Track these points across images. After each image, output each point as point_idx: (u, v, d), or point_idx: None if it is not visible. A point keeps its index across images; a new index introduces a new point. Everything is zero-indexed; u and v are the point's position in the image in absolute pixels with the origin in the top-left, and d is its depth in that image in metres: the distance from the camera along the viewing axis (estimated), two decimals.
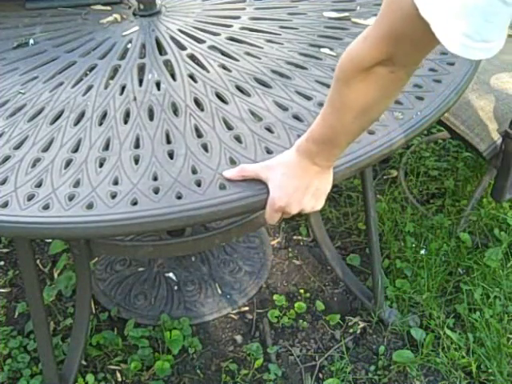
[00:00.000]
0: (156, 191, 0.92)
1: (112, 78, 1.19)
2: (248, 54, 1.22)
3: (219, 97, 1.11)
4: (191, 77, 1.17)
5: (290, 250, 1.83)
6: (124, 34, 1.32)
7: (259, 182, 0.92)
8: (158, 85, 1.15)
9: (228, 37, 1.28)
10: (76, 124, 1.06)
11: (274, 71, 1.17)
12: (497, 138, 1.54)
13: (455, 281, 1.68)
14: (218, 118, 1.06)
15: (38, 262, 1.79)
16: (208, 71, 1.18)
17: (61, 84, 1.18)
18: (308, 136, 0.87)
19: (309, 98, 1.09)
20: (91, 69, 1.22)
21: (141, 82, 1.17)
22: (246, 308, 1.67)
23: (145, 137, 1.02)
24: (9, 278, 1.78)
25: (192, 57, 1.23)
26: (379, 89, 0.77)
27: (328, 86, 1.11)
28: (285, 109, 1.07)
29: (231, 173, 0.92)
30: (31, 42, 1.31)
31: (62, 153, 1.00)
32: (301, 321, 1.62)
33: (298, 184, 0.89)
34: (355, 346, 1.57)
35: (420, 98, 1.07)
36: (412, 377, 1.49)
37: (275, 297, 1.67)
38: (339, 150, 0.89)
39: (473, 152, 1.90)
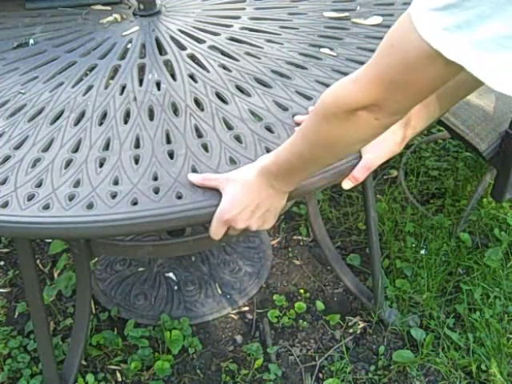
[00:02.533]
0: (156, 191, 0.92)
1: (112, 77, 1.19)
2: (248, 54, 1.22)
3: (219, 97, 1.11)
4: (191, 77, 1.17)
5: (290, 249, 1.83)
6: (124, 33, 1.32)
7: None
8: (158, 85, 1.15)
9: (228, 37, 1.28)
10: (76, 124, 1.06)
11: (274, 71, 1.17)
12: (497, 138, 1.54)
13: (455, 281, 1.68)
14: (218, 117, 1.06)
15: (38, 261, 1.79)
16: (208, 71, 1.18)
17: (61, 84, 1.18)
18: (273, 159, 0.87)
19: (309, 98, 1.09)
20: (91, 69, 1.22)
21: (141, 81, 1.17)
22: (246, 308, 1.67)
23: (145, 137, 1.02)
24: (9, 277, 1.78)
25: (192, 57, 1.23)
26: (359, 132, 0.76)
27: (328, 86, 1.11)
28: (285, 109, 1.07)
29: (195, 178, 0.92)
30: (31, 41, 1.31)
31: (62, 153, 1.00)
32: (301, 321, 1.62)
33: (249, 202, 0.89)
34: (355, 346, 1.57)
35: None
36: (412, 377, 1.49)
37: (275, 297, 1.67)
38: (300, 179, 0.89)
39: (473, 152, 1.90)
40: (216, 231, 0.92)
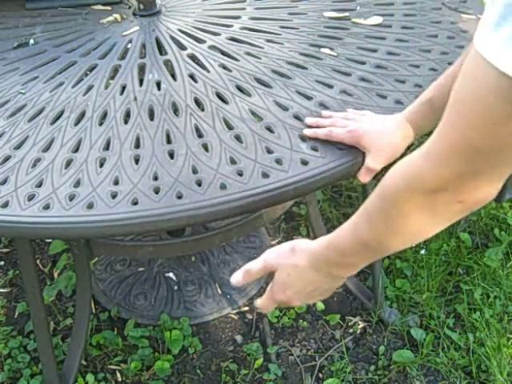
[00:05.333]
0: (156, 191, 0.92)
1: (112, 77, 1.19)
2: (248, 53, 1.22)
3: (219, 97, 1.11)
4: (191, 77, 1.17)
5: None
6: (124, 33, 1.32)
7: (259, 182, 0.92)
8: (158, 85, 1.15)
9: (228, 37, 1.28)
10: (76, 124, 1.06)
11: (274, 71, 1.16)
12: None
13: (455, 281, 1.68)
14: (218, 117, 1.06)
15: (38, 261, 1.79)
16: (208, 71, 1.18)
17: (61, 84, 1.17)
18: (329, 244, 0.77)
19: (309, 98, 1.08)
20: (91, 69, 1.22)
21: (141, 81, 1.17)
22: (246, 308, 1.67)
23: (145, 137, 1.02)
24: (9, 277, 1.78)
25: (192, 57, 1.23)
26: (438, 218, 0.63)
27: (328, 85, 1.11)
28: (285, 109, 1.07)
29: (237, 279, 0.88)
30: (31, 41, 1.31)
31: (62, 153, 1.00)
32: (301, 321, 1.62)
33: (302, 287, 0.82)
34: (355, 346, 1.57)
35: None
36: (412, 377, 1.49)
37: None
38: (363, 264, 0.78)
39: None
40: (266, 307, 0.88)
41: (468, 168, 0.55)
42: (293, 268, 0.82)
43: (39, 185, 0.94)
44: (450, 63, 1.15)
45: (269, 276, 0.87)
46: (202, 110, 1.08)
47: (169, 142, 1.01)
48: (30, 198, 0.92)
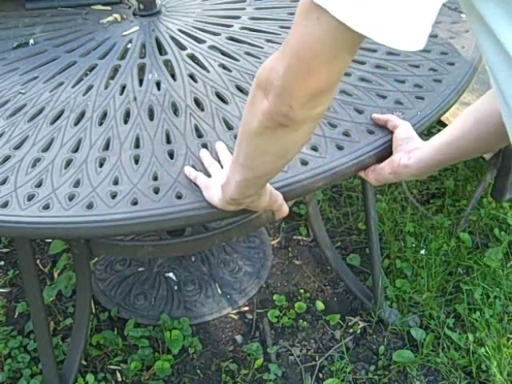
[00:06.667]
0: (156, 191, 0.92)
1: (112, 77, 1.19)
2: (248, 53, 1.22)
3: (219, 97, 1.11)
4: (191, 77, 1.17)
5: (290, 249, 1.83)
6: (124, 33, 1.32)
7: None
8: (158, 85, 1.15)
9: (228, 37, 1.28)
10: (76, 124, 1.06)
11: None
12: None
13: (455, 281, 1.68)
14: (218, 117, 1.06)
15: (38, 261, 1.79)
16: (208, 71, 1.18)
17: (61, 84, 1.17)
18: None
19: None
20: (91, 69, 1.22)
21: (141, 81, 1.17)
22: (246, 308, 1.67)
23: (145, 137, 1.02)
24: (9, 277, 1.78)
25: (192, 57, 1.23)
26: (253, 114, 0.67)
27: None
28: None
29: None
30: (31, 41, 1.31)
31: (62, 153, 1.00)
32: (301, 321, 1.62)
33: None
34: (355, 346, 1.57)
35: (420, 98, 1.07)
36: (412, 377, 1.49)
37: (275, 297, 1.67)
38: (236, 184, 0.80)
39: None
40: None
41: (282, 62, 0.59)
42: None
43: (39, 185, 0.94)
44: (449, 63, 1.15)
45: None
46: (202, 110, 1.08)
47: (169, 142, 1.01)
48: (30, 198, 0.92)
